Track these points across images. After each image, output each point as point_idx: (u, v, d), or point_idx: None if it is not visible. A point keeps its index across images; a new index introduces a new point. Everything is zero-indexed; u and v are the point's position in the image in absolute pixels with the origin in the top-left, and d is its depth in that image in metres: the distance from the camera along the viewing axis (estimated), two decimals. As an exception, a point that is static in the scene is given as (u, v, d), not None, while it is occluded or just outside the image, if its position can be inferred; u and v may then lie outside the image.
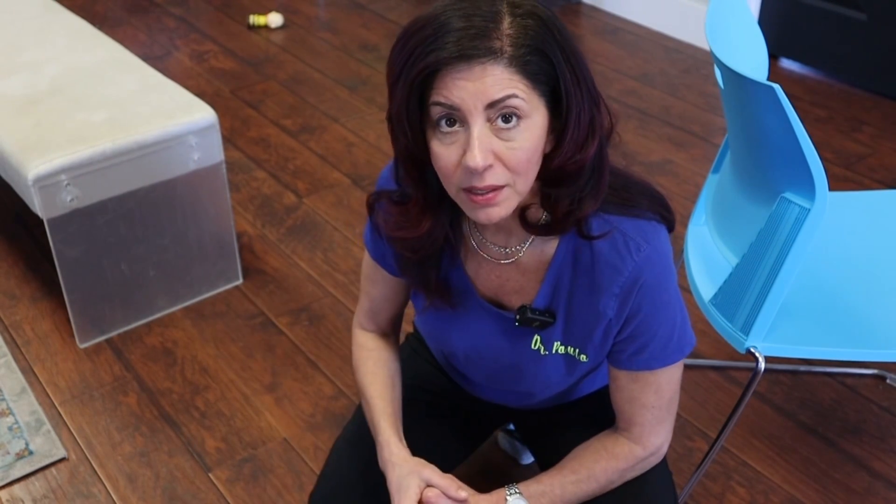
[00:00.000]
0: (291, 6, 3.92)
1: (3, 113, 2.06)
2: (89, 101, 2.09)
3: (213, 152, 2.08)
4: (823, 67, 3.22)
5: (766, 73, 1.55)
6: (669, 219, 1.15)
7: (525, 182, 1.02)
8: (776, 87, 1.17)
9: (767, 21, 3.24)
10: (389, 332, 1.39)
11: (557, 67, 0.98)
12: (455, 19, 0.95)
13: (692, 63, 3.34)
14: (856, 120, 2.94)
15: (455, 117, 0.98)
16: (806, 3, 3.13)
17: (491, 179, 0.99)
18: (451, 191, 1.03)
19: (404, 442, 1.24)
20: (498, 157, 0.98)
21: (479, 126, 0.97)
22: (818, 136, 2.84)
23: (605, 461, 1.22)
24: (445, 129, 0.99)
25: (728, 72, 1.28)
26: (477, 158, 0.96)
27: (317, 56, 3.48)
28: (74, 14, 2.58)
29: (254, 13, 3.77)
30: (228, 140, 2.90)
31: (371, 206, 1.19)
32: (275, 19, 3.70)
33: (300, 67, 3.39)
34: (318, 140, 2.92)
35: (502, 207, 1.02)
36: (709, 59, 3.30)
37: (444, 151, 1.00)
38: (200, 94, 3.08)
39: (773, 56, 3.31)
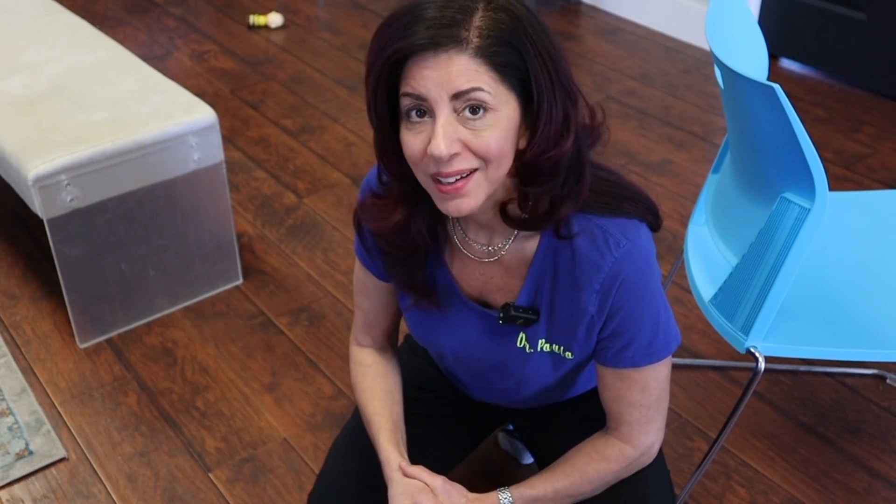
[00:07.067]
0: (291, 6, 3.92)
1: (3, 113, 2.06)
2: (89, 101, 2.09)
3: (213, 152, 2.08)
4: (823, 67, 3.22)
5: (766, 73, 1.55)
6: (654, 223, 1.15)
7: (496, 170, 1.02)
8: (776, 87, 1.17)
9: (767, 21, 3.24)
10: (386, 345, 1.39)
11: (528, 61, 0.98)
12: (429, 10, 0.96)
13: (692, 63, 3.34)
14: (856, 120, 2.94)
15: (423, 108, 0.99)
16: (806, 3, 3.13)
17: (458, 165, 0.99)
18: (422, 179, 1.04)
19: (405, 455, 1.25)
20: (465, 145, 0.99)
21: (444, 115, 0.97)
22: (818, 136, 2.84)
23: (596, 463, 1.22)
24: (415, 119, 1.00)
25: (728, 72, 1.28)
26: (441, 147, 0.97)
27: (317, 56, 3.48)
28: (74, 14, 2.58)
29: (254, 13, 3.77)
30: (228, 140, 2.90)
31: (357, 208, 1.20)
32: (275, 19, 3.70)
33: (300, 67, 3.39)
34: (318, 140, 2.92)
35: (472, 198, 1.02)
36: (709, 59, 3.30)
37: (411, 140, 1.01)
38: (200, 94, 3.08)
39: (773, 56, 3.31)
